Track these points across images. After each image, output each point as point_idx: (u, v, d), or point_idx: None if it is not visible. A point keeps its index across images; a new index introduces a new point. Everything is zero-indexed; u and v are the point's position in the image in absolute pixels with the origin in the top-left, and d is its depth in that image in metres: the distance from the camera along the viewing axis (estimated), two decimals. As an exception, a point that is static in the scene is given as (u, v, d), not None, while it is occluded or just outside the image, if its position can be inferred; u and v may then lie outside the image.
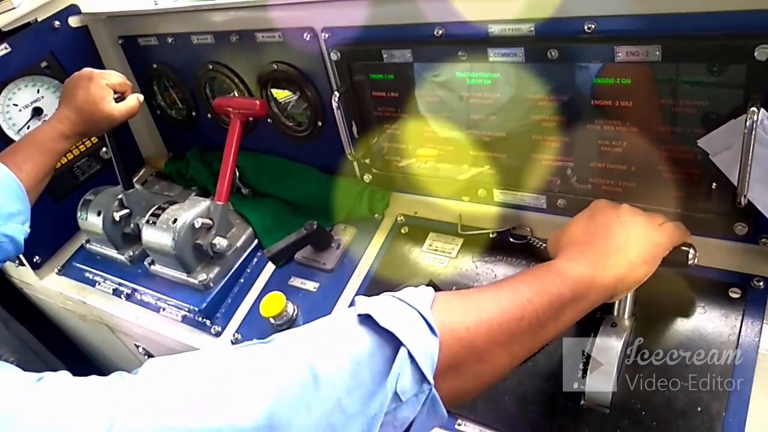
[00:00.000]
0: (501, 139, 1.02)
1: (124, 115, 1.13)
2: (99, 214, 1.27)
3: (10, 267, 1.50)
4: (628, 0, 0.79)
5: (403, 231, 1.14)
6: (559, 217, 1.00)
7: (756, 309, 0.80)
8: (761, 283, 0.82)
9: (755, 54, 0.71)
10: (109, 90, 1.12)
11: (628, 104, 0.85)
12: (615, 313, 0.80)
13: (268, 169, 1.33)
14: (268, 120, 1.27)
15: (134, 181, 1.52)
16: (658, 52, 0.77)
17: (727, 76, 0.77)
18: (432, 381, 0.55)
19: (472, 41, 0.92)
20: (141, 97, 1.17)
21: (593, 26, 0.81)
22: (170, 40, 1.32)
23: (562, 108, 0.92)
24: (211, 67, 1.29)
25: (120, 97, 1.15)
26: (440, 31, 0.95)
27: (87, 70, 1.14)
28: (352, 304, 0.67)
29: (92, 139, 1.44)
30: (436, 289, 0.89)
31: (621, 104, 0.86)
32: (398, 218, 1.16)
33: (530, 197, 1.03)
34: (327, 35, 1.07)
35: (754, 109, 0.72)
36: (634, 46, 0.78)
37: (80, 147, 1.44)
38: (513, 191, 1.05)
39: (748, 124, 0.72)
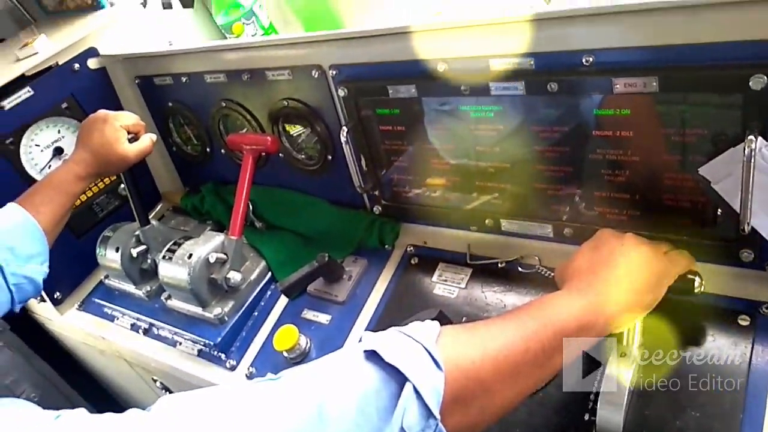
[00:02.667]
0: (506, 170, 1.03)
1: (137, 155, 1.18)
2: (117, 250, 1.31)
3: (32, 303, 1.53)
4: (625, 33, 0.80)
5: (413, 262, 1.15)
6: (566, 246, 1.00)
7: (766, 336, 0.80)
8: (770, 310, 0.82)
9: (750, 84, 0.72)
10: (123, 131, 1.16)
11: (629, 134, 0.86)
12: (623, 342, 0.80)
13: (281, 202, 1.36)
14: (280, 155, 1.30)
15: (151, 216, 1.56)
16: (655, 84, 0.78)
17: (724, 105, 0.78)
18: (438, 416, 0.56)
19: (473, 76, 0.94)
20: (154, 136, 1.21)
21: (591, 59, 0.83)
22: (184, 80, 1.37)
23: (564, 138, 0.93)
24: (224, 104, 1.33)
25: (134, 138, 1.19)
26: (443, 67, 0.97)
27: (102, 112, 1.18)
28: (360, 339, 0.68)
29: (111, 176, 1.49)
30: (446, 320, 0.91)
31: (622, 134, 0.87)
32: (408, 249, 1.18)
33: (537, 226, 1.04)
34: (334, 72, 1.10)
35: (751, 137, 0.72)
36: (632, 78, 0.80)
37: (99, 184, 1.49)
38: (519, 220, 1.06)
39: (746, 152, 0.73)
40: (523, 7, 1.22)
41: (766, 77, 0.71)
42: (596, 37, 0.82)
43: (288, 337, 1.06)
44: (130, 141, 1.18)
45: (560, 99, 0.90)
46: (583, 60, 0.84)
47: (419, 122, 1.08)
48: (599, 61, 0.83)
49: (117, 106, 1.48)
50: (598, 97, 0.86)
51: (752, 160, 0.73)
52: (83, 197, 1.45)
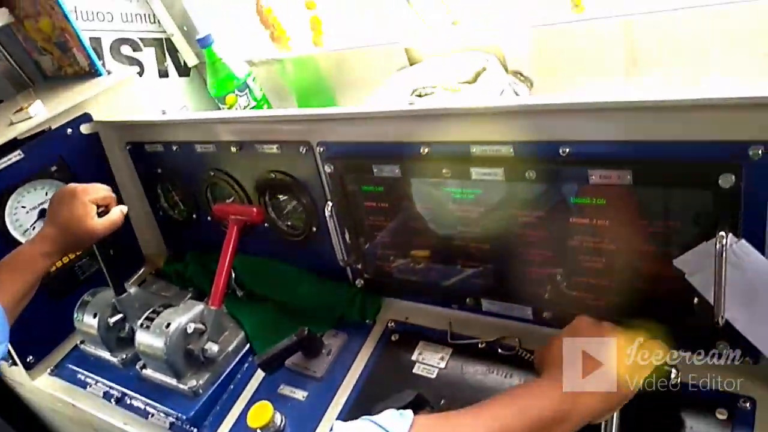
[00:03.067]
0: (487, 250, 1.04)
1: (106, 229, 1.17)
2: (95, 316, 1.29)
3: (3, 366, 1.49)
4: (600, 127, 0.84)
5: (393, 338, 1.14)
6: (546, 329, 1.01)
7: (744, 431, 0.79)
8: (747, 404, 0.81)
9: (719, 182, 0.75)
10: (92, 206, 1.16)
11: (605, 222, 0.88)
12: (601, 434, 0.78)
13: (263, 271, 1.35)
14: (265, 224, 1.31)
15: (133, 279, 1.56)
16: (629, 177, 0.81)
17: (695, 200, 0.80)
18: None
19: (455, 160, 0.97)
20: (125, 209, 1.22)
21: (568, 150, 0.86)
22: (175, 148, 1.39)
23: (543, 223, 0.95)
24: (212, 173, 1.35)
25: (104, 211, 1.19)
26: (426, 150, 1.00)
27: (71, 186, 1.18)
28: (331, 429, 0.67)
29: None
30: (424, 403, 0.90)
31: (598, 222, 0.89)
32: (389, 324, 1.17)
33: (517, 308, 1.04)
34: (321, 149, 1.13)
35: (722, 233, 0.74)
36: (607, 171, 0.83)
37: (82, 247, 1.48)
38: (500, 301, 1.06)
39: (717, 248, 0.74)
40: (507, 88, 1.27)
41: (734, 176, 0.74)
42: (573, 130, 0.86)
43: (262, 414, 1.03)
44: (101, 214, 1.18)
45: (539, 186, 0.92)
46: (560, 151, 0.86)
47: (403, 200, 1.09)
48: (576, 153, 0.86)
49: (106, 171, 1.50)
50: (574, 186, 0.88)
51: (723, 256, 0.74)
52: (65, 259, 1.44)
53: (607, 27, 1.16)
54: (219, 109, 1.63)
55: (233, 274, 1.35)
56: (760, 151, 0.72)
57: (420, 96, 1.30)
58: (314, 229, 1.24)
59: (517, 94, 1.31)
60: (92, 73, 1.56)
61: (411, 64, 1.46)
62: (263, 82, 1.68)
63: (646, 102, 0.77)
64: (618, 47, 1.16)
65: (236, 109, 1.58)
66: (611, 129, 0.83)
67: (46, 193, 1.42)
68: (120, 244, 1.38)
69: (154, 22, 1.74)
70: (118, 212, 1.21)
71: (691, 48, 1.09)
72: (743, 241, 0.75)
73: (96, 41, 1.61)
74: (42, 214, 1.41)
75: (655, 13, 1.11)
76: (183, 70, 1.82)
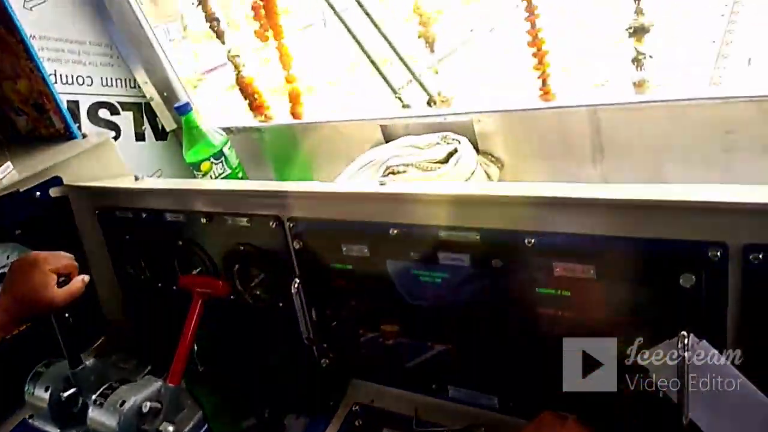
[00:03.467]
0: (453, 336, 1.03)
1: (66, 299, 1.13)
2: (47, 389, 1.23)
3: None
4: (566, 220, 0.85)
5: (357, 423, 1.11)
6: (513, 419, 0.98)
7: None
8: None
9: (680, 281, 0.75)
10: (52, 276, 1.12)
11: (570, 314, 0.88)
12: None
13: (227, 346, 1.32)
14: (231, 296, 1.29)
15: (93, 347, 1.50)
16: (592, 272, 0.82)
17: (657, 298, 0.80)
18: None
19: (423, 243, 0.97)
20: (86, 278, 1.18)
21: (533, 241, 0.86)
22: (145, 215, 1.37)
23: (509, 312, 0.94)
24: (180, 243, 1.33)
25: (65, 280, 1.15)
26: (395, 231, 1.00)
27: (32, 255, 1.15)
28: None
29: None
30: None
31: (564, 314, 0.88)
32: (354, 408, 1.14)
33: (483, 396, 1.02)
34: (291, 224, 1.12)
35: (684, 333, 0.74)
36: (571, 264, 0.83)
37: (41, 313, 1.43)
38: (466, 389, 1.04)
39: (679, 347, 0.74)
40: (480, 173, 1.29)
41: (694, 276, 0.75)
42: (538, 221, 0.86)
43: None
44: (62, 283, 1.14)
45: (505, 274, 0.92)
46: (526, 241, 0.87)
47: (371, 280, 1.08)
48: (540, 244, 0.86)
49: (73, 235, 1.47)
50: (540, 276, 0.88)
51: (685, 356, 0.74)
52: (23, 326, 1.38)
53: (575, 116, 1.20)
54: (194, 174, 1.63)
55: (195, 347, 1.30)
56: (719, 253, 0.73)
57: (393, 173, 1.32)
58: (281, 304, 1.22)
59: (488, 175, 1.33)
60: (67, 135, 1.56)
61: (386, 141, 1.48)
62: (241, 150, 1.69)
63: (610, 199, 0.79)
64: (585, 136, 1.20)
65: (211, 176, 1.58)
66: (575, 222, 0.84)
67: (8, 257, 1.38)
68: (81, 311, 1.34)
69: (134, 86, 1.76)
70: (79, 282, 1.17)
71: (654, 140, 1.13)
72: (704, 341, 0.75)
73: (74, 104, 1.62)
74: (0, 278, 1.37)
75: (621, 105, 1.15)
76: (160, 134, 1.83)
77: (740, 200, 0.72)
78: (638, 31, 1.08)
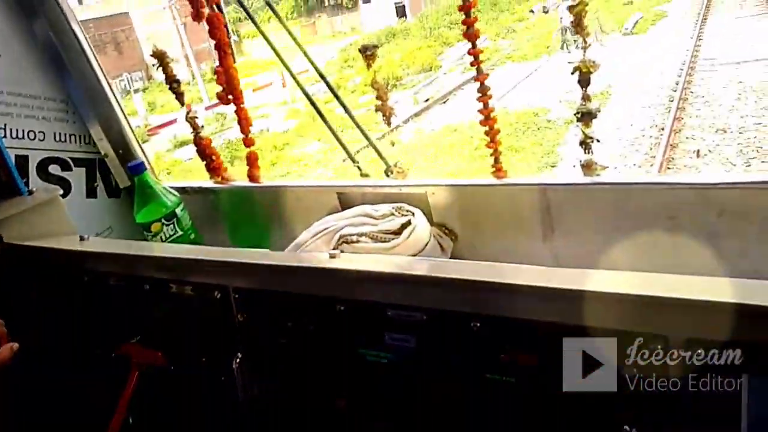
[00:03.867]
0: (400, 421, 0.99)
1: None
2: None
3: None
4: (511, 306, 0.84)
5: None
6: None
7: None
8: None
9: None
10: None
11: (516, 402, 0.86)
12: None
13: (165, 419, 1.24)
14: (171, 368, 1.23)
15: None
16: (536, 359, 0.80)
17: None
18: None
19: (369, 321, 0.95)
20: (15, 345, 1.12)
21: (479, 324, 0.85)
22: (86, 278, 1.32)
23: (456, 396, 0.91)
24: (121, 309, 1.27)
25: None
26: (341, 308, 0.97)
27: None
28: None
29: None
30: None
31: (509, 401, 0.86)
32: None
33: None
34: (236, 295, 1.09)
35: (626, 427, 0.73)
36: (516, 350, 0.82)
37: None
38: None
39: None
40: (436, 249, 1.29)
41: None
42: (484, 304, 0.85)
43: None
44: None
45: (451, 357, 0.90)
46: (472, 324, 0.85)
47: (316, 356, 1.04)
48: (485, 328, 0.85)
49: (7, 296, 1.39)
50: (485, 361, 0.87)
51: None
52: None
53: (527, 193, 1.22)
54: (143, 235, 1.58)
55: (131, 420, 1.23)
56: (658, 345, 0.73)
57: (347, 243, 1.30)
58: (222, 378, 1.16)
59: (441, 247, 1.33)
60: (13, 191, 1.50)
61: (343, 208, 1.47)
62: (196, 211, 1.66)
63: (555, 288, 0.78)
64: (536, 213, 1.21)
65: (161, 237, 1.54)
66: (519, 308, 0.83)
67: (-66, 319, 1.30)
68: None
69: (89, 142, 1.73)
70: (8, 350, 1.10)
71: (603, 222, 1.15)
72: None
73: (23, 158, 1.58)
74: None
75: (569, 186, 1.17)
76: (113, 191, 1.79)
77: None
78: (585, 116, 1.12)
